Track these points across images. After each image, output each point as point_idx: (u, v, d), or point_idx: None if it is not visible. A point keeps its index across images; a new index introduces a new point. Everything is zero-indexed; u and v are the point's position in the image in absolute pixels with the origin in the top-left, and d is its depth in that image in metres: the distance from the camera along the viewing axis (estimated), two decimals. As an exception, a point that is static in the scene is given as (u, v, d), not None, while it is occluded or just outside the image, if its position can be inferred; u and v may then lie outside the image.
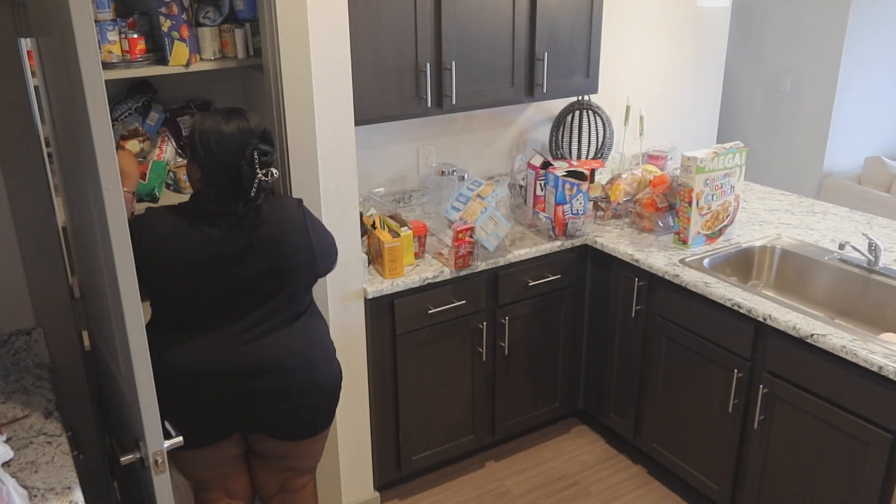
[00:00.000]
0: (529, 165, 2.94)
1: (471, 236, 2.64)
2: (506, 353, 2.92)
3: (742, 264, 2.83)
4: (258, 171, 1.85)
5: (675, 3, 3.59)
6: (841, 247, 2.57)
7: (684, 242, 2.80)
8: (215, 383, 1.92)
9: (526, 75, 2.92)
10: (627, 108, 3.56)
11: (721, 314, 2.47)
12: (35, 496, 1.56)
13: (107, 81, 1.43)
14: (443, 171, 3.04)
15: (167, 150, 2.48)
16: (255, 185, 1.86)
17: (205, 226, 1.87)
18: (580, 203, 2.85)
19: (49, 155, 2.06)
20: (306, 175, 2.31)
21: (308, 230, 1.98)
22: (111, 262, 1.43)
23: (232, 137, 1.85)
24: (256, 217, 1.91)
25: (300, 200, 2.05)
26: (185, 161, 1.98)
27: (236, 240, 1.89)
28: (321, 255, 2.01)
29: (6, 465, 1.65)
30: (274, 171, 1.89)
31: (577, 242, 2.93)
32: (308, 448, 2.14)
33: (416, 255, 2.70)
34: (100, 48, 2.12)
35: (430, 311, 2.67)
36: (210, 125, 1.86)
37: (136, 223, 1.82)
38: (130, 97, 2.45)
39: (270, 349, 1.95)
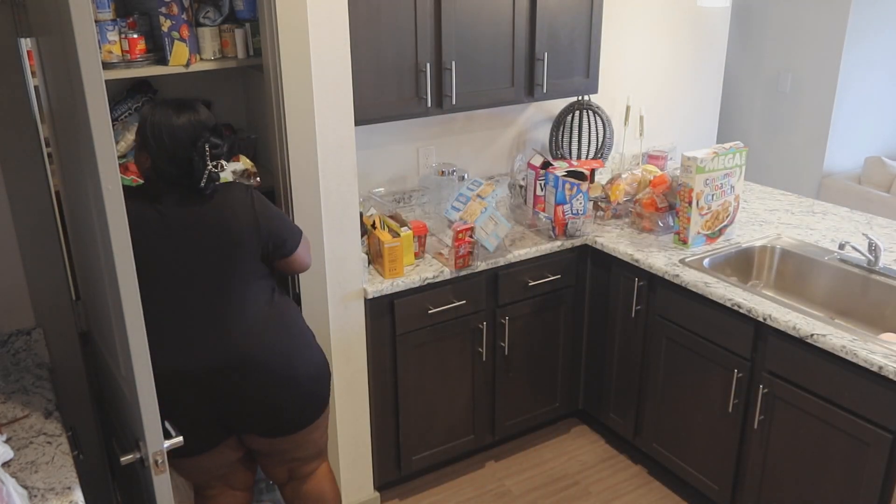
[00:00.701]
0: (529, 165, 2.94)
1: (471, 236, 2.64)
2: (506, 353, 2.92)
3: (742, 264, 2.83)
4: (209, 162, 1.89)
5: (675, 3, 3.59)
6: (841, 247, 2.57)
7: (684, 242, 2.80)
8: (194, 384, 1.91)
9: (526, 75, 2.92)
10: (627, 108, 3.56)
11: (721, 314, 2.47)
12: (35, 496, 1.56)
13: (107, 81, 1.43)
14: (443, 171, 3.04)
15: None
16: (206, 176, 1.90)
17: (155, 201, 1.91)
18: (580, 203, 2.85)
19: (49, 155, 2.06)
20: (306, 175, 2.31)
21: (254, 205, 2.00)
22: (111, 262, 1.43)
23: (183, 129, 1.88)
24: (202, 197, 1.95)
25: (250, 187, 2.08)
26: (135, 149, 2.00)
27: (183, 216, 1.92)
28: (267, 229, 2.00)
29: (6, 465, 1.65)
30: (223, 162, 1.95)
31: (577, 242, 2.93)
32: (305, 438, 2.12)
33: (416, 255, 2.70)
34: (100, 48, 2.12)
35: (430, 311, 2.67)
36: (161, 117, 1.89)
37: None
38: (130, 97, 2.45)
39: (239, 342, 1.95)
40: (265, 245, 2.01)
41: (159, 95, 2.52)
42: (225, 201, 1.97)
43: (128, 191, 1.88)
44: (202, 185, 1.90)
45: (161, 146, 1.88)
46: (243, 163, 2.35)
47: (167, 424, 1.65)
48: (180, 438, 1.63)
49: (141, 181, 2.29)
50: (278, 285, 2.11)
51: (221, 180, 2.00)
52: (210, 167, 1.90)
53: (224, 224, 1.95)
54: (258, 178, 2.35)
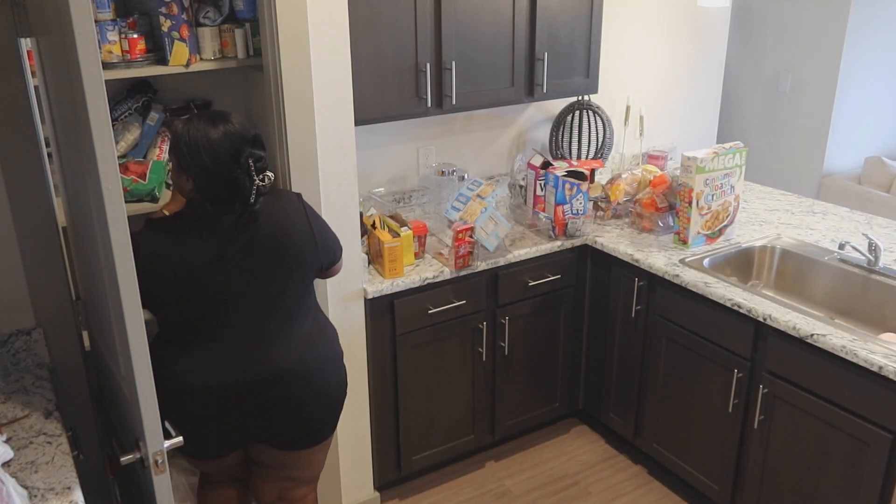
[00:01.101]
0: (529, 165, 2.94)
1: (471, 236, 2.64)
2: (506, 353, 2.92)
3: (742, 264, 2.83)
4: (255, 177, 1.81)
5: (675, 3, 3.59)
6: (841, 247, 2.57)
7: (684, 242, 2.80)
8: (228, 396, 1.90)
9: (526, 75, 2.92)
10: (627, 108, 3.56)
11: (721, 314, 2.47)
12: (35, 496, 1.56)
13: (107, 81, 1.43)
14: (443, 171, 3.04)
15: (167, 150, 2.48)
16: (254, 192, 1.82)
17: (205, 230, 1.85)
18: (580, 203, 2.85)
19: (49, 155, 2.06)
20: (306, 175, 2.31)
21: (310, 221, 1.96)
22: (111, 262, 1.43)
23: (222, 145, 1.79)
24: (254, 215, 1.88)
25: (299, 194, 2.03)
26: (171, 169, 1.93)
27: (237, 240, 1.86)
28: (322, 247, 1.98)
29: (6, 465, 1.65)
30: (270, 174, 1.85)
31: (577, 242, 2.93)
32: (309, 458, 2.11)
33: (416, 255, 2.70)
34: (100, 48, 2.12)
35: (430, 311, 2.67)
36: (197, 134, 1.79)
37: (134, 239, 1.81)
38: (130, 97, 2.45)
39: (282, 356, 1.92)
40: (322, 261, 1.99)
41: (159, 95, 2.52)
42: (279, 216, 1.90)
43: (168, 219, 1.86)
44: (252, 201, 1.82)
45: (202, 166, 1.79)
46: None
47: (167, 424, 1.65)
48: (180, 438, 1.63)
49: (141, 181, 2.30)
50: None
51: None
52: (257, 182, 1.81)
53: (280, 241, 1.89)
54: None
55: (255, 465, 2.15)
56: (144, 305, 1.75)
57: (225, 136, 1.79)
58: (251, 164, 1.80)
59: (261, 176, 1.82)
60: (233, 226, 1.86)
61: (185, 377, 1.87)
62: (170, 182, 2.44)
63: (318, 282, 2.42)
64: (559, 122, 3.32)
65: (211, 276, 1.85)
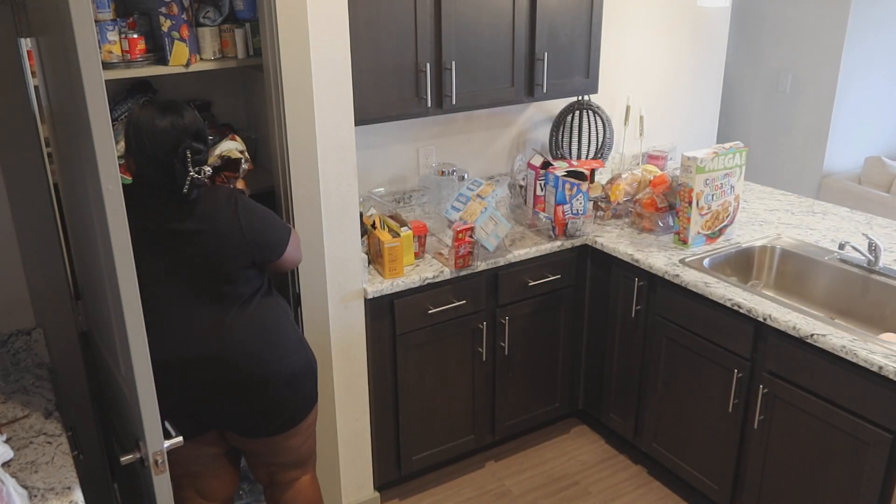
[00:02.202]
0: (529, 165, 2.94)
1: (471, 236, 2.64)
2: (506, 353, 2.92)
3: (742, 264, 2.83)
4: (190, 169, 1.86)
5: (675, 3, 3.59)
6: (841, 247, 2.57)
7: (684, 242, 2.80)
8: (171, 373, 1.88)
9: (526, 75, 2.92)
10: (627, 108, 3.56)
11: (721, 314, 2.47)
12: (35, 496, 1.56)
13: (107, 81, 1.43)
14: (443, 171, 3.04)
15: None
16: (188, 182, 1.86)
17: (141, 214, 1.87)
18: (580, 203, 2.85)
19: (49, 155, 2.06)
20: (306, 175, 2.31)
21: (237, 217, 1.95)
22: (111, 262, 1.43)
23: (165, 134, 1.85)
24: (189, 206, 1.92)
25: (236, 191, 2.03)
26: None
27: (171, 227, 1.90)
28: (253, 239, 1.97)
29: (6, 465, 1.65)
30: (207, 168, 1.91)
31: (577, 242, 2.93)
32: (281, 444, 2.08)
33: (416, 255, 2.70)
34: (100, 48, 2.12)
35: (430, 311, 2.67)
36: (144, 120, 1.86)
37: None
38: (130, 97, 2.45)
39: (213, 340, 1.92)
40: (252, 256, 1.98)
41: (159, 95, 2.52)
42: (208, 211, 1.93)
43: (127, 191, 1.88)
44: (185, 191, 1.87)
45: (142, 150, 1.86)
46: (238, 143, 2.27)
47: (167, 424, 1.65)
48: (180, 438, 1.63)
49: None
50: (270, 286, 2.09)
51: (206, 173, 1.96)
52: (192, 173, 1.86)
53: (207, 235, 1.92)
54: (250, 163, 2.27)
55: (241, 451, 2.14)
56: None
57: (171, 125, 1.85)
58: (188, 155, 1.85)
59: (196, 168, 1.87)
60: (173, 211, 1.90)
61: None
62: None
63: (317, 281, 2.43)
64: (559, 122, 3.32)
65: (143, 259, 1.83)
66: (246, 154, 2.26)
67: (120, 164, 2.30)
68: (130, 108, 2.44)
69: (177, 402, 1.92)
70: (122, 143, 2.39)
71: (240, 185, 2.24)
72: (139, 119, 1.86)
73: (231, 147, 2.22)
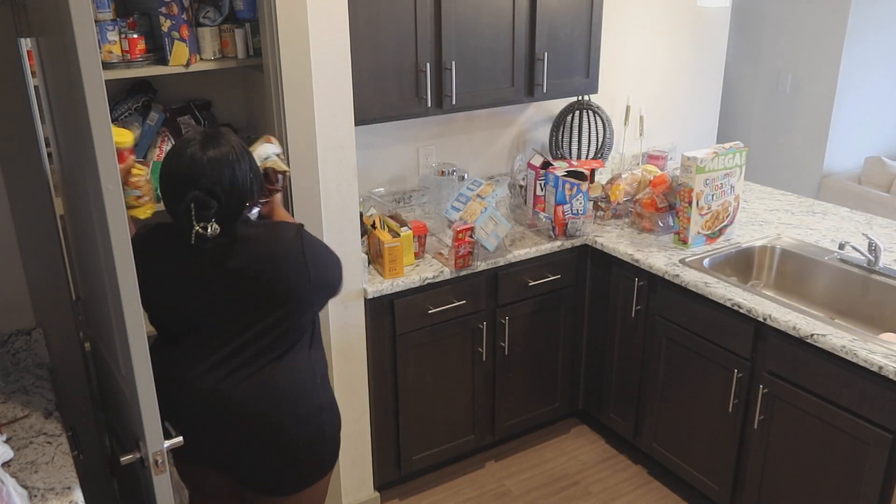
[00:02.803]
0: (529, 165, 2.94)
1: (471, 236, 2.64)
2: (506, 352, 2.92)
3: (742, 264, 2.83)
4: (194, 223, 1.66)
5: (675, 3, 3.59)
6: (841, 247, 2.57)
7: (684, 242, 2.80)
8: (181, 404, 1.79)
9: (526, 75, 2.92)
10: (627, 108, 3.56)
11: (721, 314, 2.47)
12: (35, 496, 1.56)
13: (107, 81, 1.43)
14: (443, 171, 3.04)
15: (167, 150, 2.48)
16: (194, 235, 1.67)
17: (180, 246, 1.73)
18: (580, 203, 2.85)
19: (49, 155, 2.06)
20: (306, 175, 2.31)
21: (305, 256, 1.78)
22: (111, 262, 1.43)
23: (176, 176, 1.69)
24: (242, 244, 1.75)
25: (299, 227, 1.84)
26: None
27: (206, 265, 1.75)
28: (318, 282, 1.82)
29: (6, 465, 1.65)
30: (215, 226, 1.67)
31: (577, 242, 2.93)
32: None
33: (416, 255, 2.70)
34: (100, 48, 2.12)
35: (430, 311, 2.67)
36: (170, 155, 1.72)
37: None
38: (130, 97, 2.45)
39: (224, 391, 1.77)
40: (314, 301, 1.83)
41: (159, 95, 2.52)
42: (268, 252, 1.75)
43: (166, 226, 1.79)
44: (192, 242, 1.68)
45: (161, 188, 1.73)
46: (275, 144, 2.02)
47: (167, 424, 1.64)
48: (180, 438, 1.63)
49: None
50: (313, 335, 1.92)
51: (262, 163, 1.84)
52: (197, 228, 1.66)
53: (258, 278, 1.74)
54: (289, 169, 2.07)
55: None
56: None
57: (188, 165, 1.68)
58: (192, 207, 1.66)
59: (201, 224, 1.66)
60: (208, 251, 1.74)
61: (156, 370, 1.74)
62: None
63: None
64: (559, 122, 3.32)
65: (172, 290, 1.78)
66: (283, 158, 2.03)
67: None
68: (131, 109, 2.44)
69: (187, 427, 1.77)
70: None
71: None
72: (168, 154, 1.73)
73: (269, 153, 1.97)
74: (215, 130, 1.77)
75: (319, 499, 1.98)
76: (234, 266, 1.74)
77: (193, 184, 1.67)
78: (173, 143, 2.49)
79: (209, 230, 1.67)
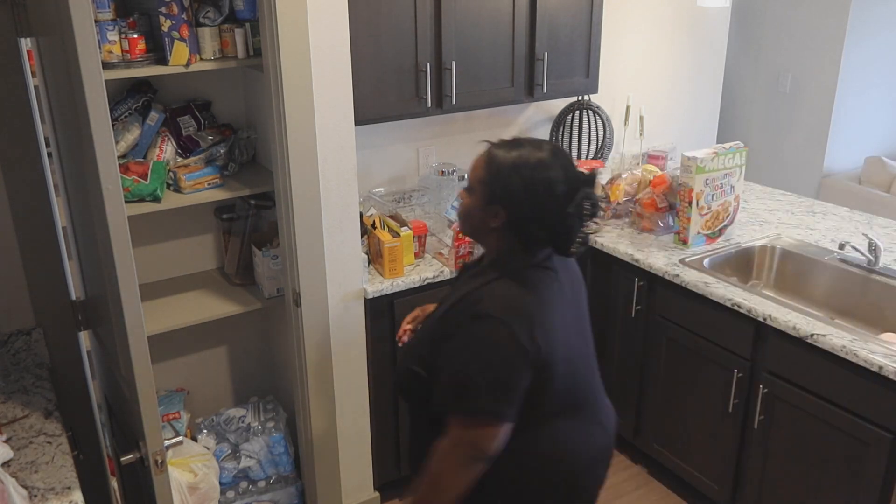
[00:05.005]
0: (529, 165, 2.94)
1: (471, 236, 2.63)
2: (506, 353, 2.91)
3: (742, 264, 2.83)
4: (586, 223, 1.55)
5: (675, 3, 3.59)
6: (841, 247, 2.57)
7: (684, 242, 2.80)
8: (604, 462, 1.74)
9: (526, 75, 2.92)
10: (627, 108, 3.56)
11: (721, 314, 2.47)
12: (35, 496, 1.56)
13: (107, 81, 1.43)
14: (443, 171, 3.04)
15: (167, 151, 2.48)
16: (580, 240, 1.55)
17: (554, 282, 1.57)
18: (580, 203, 2.85)
19: (49, 155, 2.06)
20: (306, 175, 2.31)
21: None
22: (111, 262, 1.43)
23: (559, 180, 1.51)
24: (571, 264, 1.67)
25: None
26: (471, 201, 1.61)
27: (570, 291, 1.63)
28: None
29: (6, 465, 1.65)
30: (597, 222, 1.58)
31: (577, 242, 2.92)
32: None
33: (416, 255, 2.70)
34: (100, 48, 2.12)
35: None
36: (531, 160, 1.51)
37: (507, 333, 1.45)
38: (130, 97, 2.45)
39: (612, 408, 1.78)
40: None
41: (159, 95, 2.52)
42: (577, 270, 1.70)
43: (521, 283, 1.53)
44: (573, 249, 1.55)
45: (533, 201, 1.50)
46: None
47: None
48: (180, 438, 1.64)
49: (143, 181, 2.29)
50: None
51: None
52: (585, 228, 1.55)
53: (581, 288, 1.71)
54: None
55: None
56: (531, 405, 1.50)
57: (560, 166, 1.53)
58: (587, 206, 1.53)
59: (588, 223, 1.56)
60: (567, 276, 1.62)
61: (585, 448, 1.65)
62: (170, 182, 2.44)
63: (317, 281, 2.43)
64: (559, 122, 3.32)
65: (573, 335, 1.61)
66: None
67: (122, 163, 2.31)
68: (130, 109, 2.44)
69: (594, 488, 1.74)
70: (122, 144, 2.40)
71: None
72: (521, 160, 1.52)
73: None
74: (535, 138, 1.63)
75: None
76: (576, 282, 1.66)
77: (578, 184, 1.53)
78: (173, 142, 2.50)
79: (593, 229, 1.58)
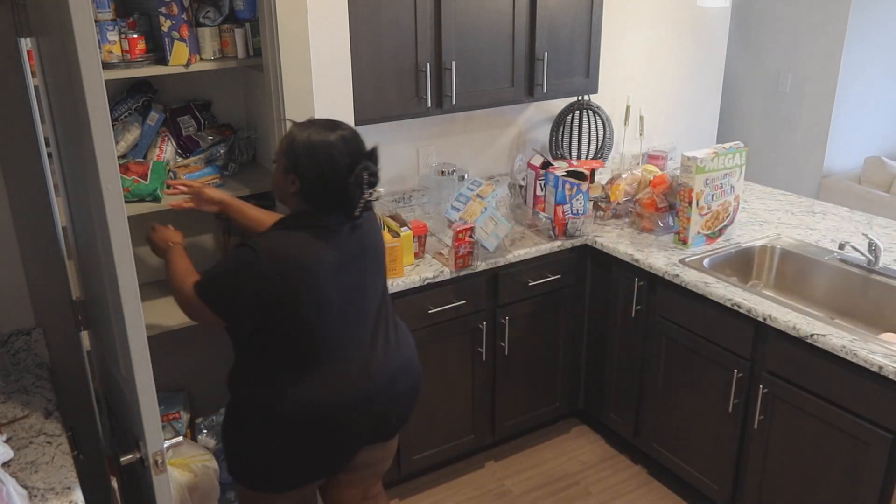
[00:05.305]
0: (529, 165, 2.94)
1: (471, 236, 2.64)
2: (506, 353, 2.92)
3: (742, 264, 2.83)
4: (365, 191, 1.82)
5: (675, 3, 3.59)
6: (841, 247, 2.57)
7: (684, 242, 2.80)
8: (373, 406, 1.92)
9: (526, 75, 2.92)
10: (627, 108, 3.56)
11: (721, 314, 2.47)
12: (35, 496, 1.56)
13: (107, 81, 1.43)
14: (443, 171, 3.04)
15: (167, 150, 2.48)
16: (361, 205, 1.83)
17: (326, 237, 1.83)
18: (580, 203, 2.85)
19: (49, 155, 2.06)
20: (306, 175, 2.31)
21: (376, 219, 2.03)
22: (111, 262, 1.43)
23: (340, 152, 1.79)
24: (368, 218, 1.94)
25: None
26: (276, 170, 1.89)
27: (349, 246, 1.87)
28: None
29: (6, 465, 1.65)
30: (380, 190, 1.88)
31: (577, 242, 2.93)
32: (393, 446, 2.14)
33: (416, 255, 2.70)
34: (100, 48, 2.12)
35: (430, 311, 2.67)
36: (317, 137, 1.79)
37: (254, 258, 1.76)
38: (130, 97, 2.45)
39: (397, 350, 1.99)
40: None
41: (159, 95, 2.52)
42: (372, 227, 1.97)
43: (284, 232, 1.83)
44: (357, 214, 1.84)
45: (317, 170, 1.79)
46: None
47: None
48: (180, 438, 1.64)
49: (143, 181, 2.29)
50: None
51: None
52: (366, 196, 1.83)
53: (374, 241, 1.96)
54: None
55: (346, 475, 2.10)
56: (262, 330, 1.83)
57: (343, 143, 1.80)
58: (365, 176, 1.81)
59: (370, 191, 1.84)
60: (347, 232, 1.87)
61: (320, 399, 1.85)
62: (169, 182, 2.44)
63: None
64: (559, 122, 3.32)
65: (334, 285, 1.84)
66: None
67: (122, 163, 2.31)
68: (130, 109, 2.44)
69: (368, 433, 1.97)
70: (122, 144, 2.40)
71: (215, 194, 2.21)
72: (313, 139, 1.80)
73: None
74: (328, 119, 1.90)
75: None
76: (362, 237, 1.91)
77: (358, 157, 1.81)
78: (173, 142, 2.49)
79: (375, 197, 1.86)
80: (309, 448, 1.87)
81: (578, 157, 3.31)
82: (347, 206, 1.82)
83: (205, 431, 2.77)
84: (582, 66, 3.05)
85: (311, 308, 1.80)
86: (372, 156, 1.85)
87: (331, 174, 1.78)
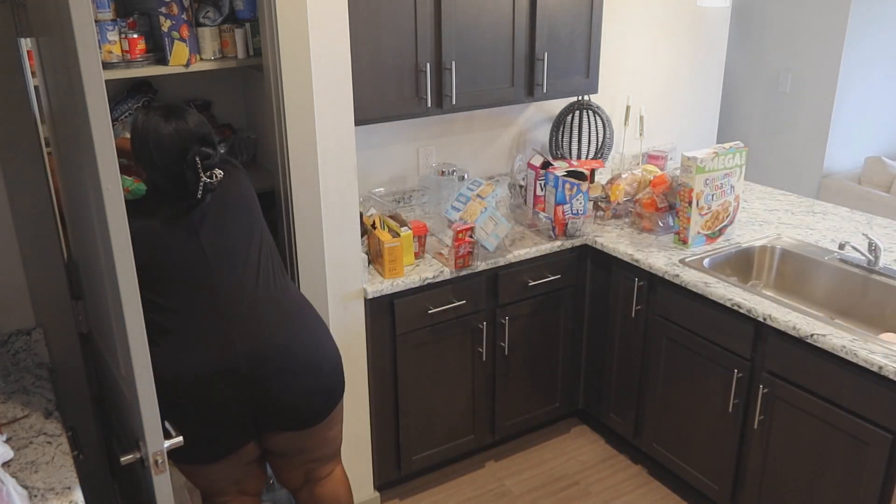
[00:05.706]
0: (529, 165, 2.94)
1: (471, 236, 2.64)
2: (506, 352, 2.92)
3: (742, 264, 2.83)
4: (201, 175, 1.87)
5: (675, 3, 3.59)
6: (841, 247, 2.57)
7: (684, 242, 2.80)
8: (234, 378, 1.87)
9: (526, 75, 2.92)
10: (627, 108, 3.56)
11: (721, 314, 2.47)
12: (35, 496, 1.56)
13: (107, 81, 1.43)
14: (443, 171, 3.04)
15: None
16: (201, 188, 1.88)
17: (169, 207, 1.90)
18: (580, 203, 2.85)
19: (49, 155, 2.06)
20: (306, 175, 2.31)
21: (250, 180, 2.07)
22: (111, 262, 1.43)
23: (170, 140, 1.85)
24: (227, 180, 1.97)
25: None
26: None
27: (200, 210, 1.92)
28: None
29: (6, 465, 1.65)
30: (218, 172, 1.90)
31: (577, 242, 2.93)
32: (324, 435, 2.08)
33: (416, 255, 2.70)
34: (100, 48, 2.12)
35: (430, 311, 2.67)
36: (149, 129, 1.86)
37: None
38: (130, 97, 2.45)
39: (271, 327, 1.92)
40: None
41: (159, 95, 2.52)
42: (235, 183, 2.00)
43: (143, 202, 1.91)
44: (199, 196, 1.89)
45: (149, 158, 1.87)
46: None
47: (167, 424, 1.64)
48: (180, 438, 1.63)
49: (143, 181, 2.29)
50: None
51: None
52: (204, 178, 1.87)
53: (238, 198, 1.98)
54: None
55: (273, 457, 2.11)
56: None
57: (175, 131, 1.85)
58: (198, 161, 1.86)
59: (208, 173, 1.88)
60: (177, 211, 1.91)
61: (174, 370, 1.83)
62: None
63: (317, 281, 2.43)
64: (559, 122, 3.32)
65: (184, 253, 1.89)
66: None
67: (125, 166, 2.31)
68: (131, 109, 2.44)
69: (241, 407, 1.91)
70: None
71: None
72: (144, 128, 1.86)
73: None
74: (170, 104, 1.96)
75: (341, 424, 2.16)
76: (220, 199, 1.95)
77: (190, 143, 1.86)
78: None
79: (214, 178, 1.89)
80: (183, 421, 1.79)
81: (578, 157, 3.31)
82: (188, 191, 1.87)
83: (205, 431, 2.76)
84: (582, 66, 3.05)
85: (159, 275, 1.86)
86: (205, 140, 1.89)
87: (163, 159, 1.85)
